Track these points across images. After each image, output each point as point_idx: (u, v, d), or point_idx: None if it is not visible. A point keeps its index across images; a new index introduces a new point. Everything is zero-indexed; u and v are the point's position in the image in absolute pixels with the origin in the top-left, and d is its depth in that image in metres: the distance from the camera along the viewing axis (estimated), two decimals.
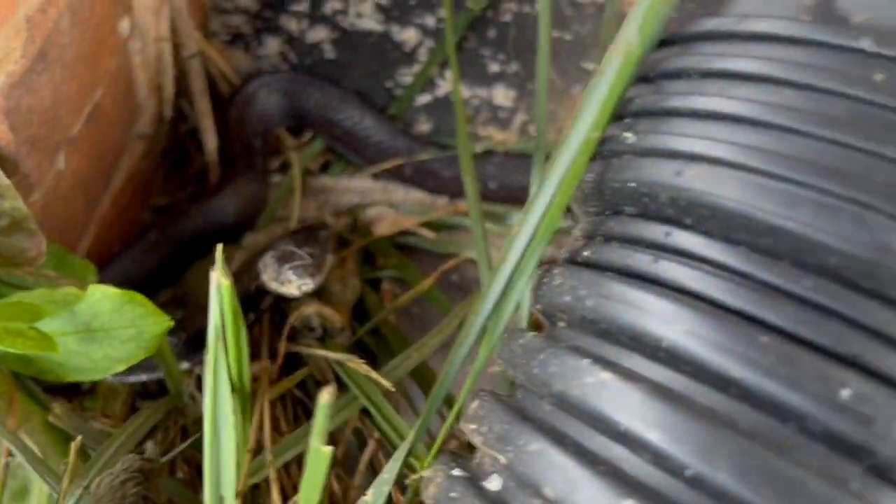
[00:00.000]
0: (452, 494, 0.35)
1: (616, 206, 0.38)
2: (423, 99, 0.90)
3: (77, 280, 0.60)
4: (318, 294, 0.68)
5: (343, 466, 0.62)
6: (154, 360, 0.62)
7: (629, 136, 0.36)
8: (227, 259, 0.78)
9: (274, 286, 0.61)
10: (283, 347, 0.60)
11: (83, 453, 0.52)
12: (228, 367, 0.40)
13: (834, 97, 0.31)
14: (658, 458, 0.30)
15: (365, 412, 0.56)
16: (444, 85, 0.89)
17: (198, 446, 0.47)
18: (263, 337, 0.66)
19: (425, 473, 0.39)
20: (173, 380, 0.59)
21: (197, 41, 0.79)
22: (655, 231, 0.35)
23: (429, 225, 0.84)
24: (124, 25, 0.71)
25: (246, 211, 0.81)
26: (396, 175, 0.86)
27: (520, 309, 0.42)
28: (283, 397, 0.64)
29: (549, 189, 0.38)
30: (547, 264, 0.41)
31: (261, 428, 0.52)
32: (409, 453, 0.42)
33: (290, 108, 0.85)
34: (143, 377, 0.65)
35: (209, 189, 0.86)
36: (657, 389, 0.31)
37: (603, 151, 0.38)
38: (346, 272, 0.73)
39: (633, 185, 0.35)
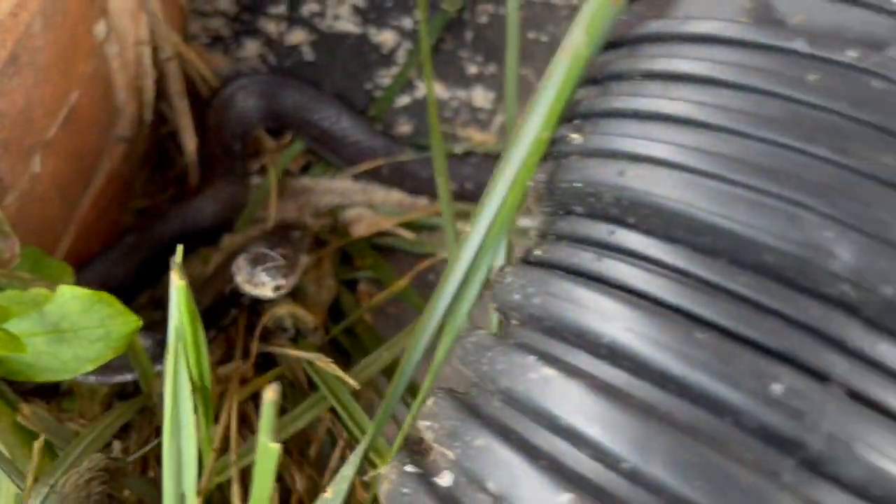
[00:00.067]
0: (404, 490, 0.36)
1: (566, 206, 0.38)
2: (403, 100, 0.90)
3: (53, 282, 0.61)
4: (294, 295, 0.69)
5: (316, 467, 0.63)
6: (130, 361, 0.62)
7: (576, 137, 0.36)
8: (205, 261, 0.78)
9: (248, 288, 0.62)
10: (255, 348, 0.61)
11: (54, 453, 0.52)
12: (189, 366, 0.41)
13: (769, 97, 0.31)
14: (597, 452, 0.31)
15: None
16: (423, 87, 0.90)
17: None
18: (238, 338, 0.67)
19: (382, 470, 0.40)
20: (147, 380, 0.59)
21: (173, 44, 0.80)
22: (600, 230, 0.35)
23: (409, 226, 0.85)
24: (100, 29, 0.72)
25: (224, 213, 0.81)
26: (375, 176, 0.86)
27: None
28: (255, 397, 0.64)
29: (501, 188, 0.38)
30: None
31: (228, 427, 0.53)
32: (368, 451, 0.43)
33: (268, 110, 0.85)
34: (119, 378, 0.66)
35: (189, 191, 0.87)
36: (598, 385, 0.32)
37: (553, 152, 0.38)
38: (323, 273, 0.74)
39: (579, 185, 0.36)
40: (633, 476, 0.30)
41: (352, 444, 0.55)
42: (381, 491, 0.38)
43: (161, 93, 0.87)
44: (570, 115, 0.39)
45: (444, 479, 0.36)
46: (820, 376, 0.30)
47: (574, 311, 0.33)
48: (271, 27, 0.87)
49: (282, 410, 0.62)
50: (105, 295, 0.53)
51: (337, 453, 0.58)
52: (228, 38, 0.88)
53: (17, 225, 0.58)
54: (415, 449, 0.42)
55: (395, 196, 0.89)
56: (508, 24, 0.61)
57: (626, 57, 0.37)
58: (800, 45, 0.31)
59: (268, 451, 0.32)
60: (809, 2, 0.33)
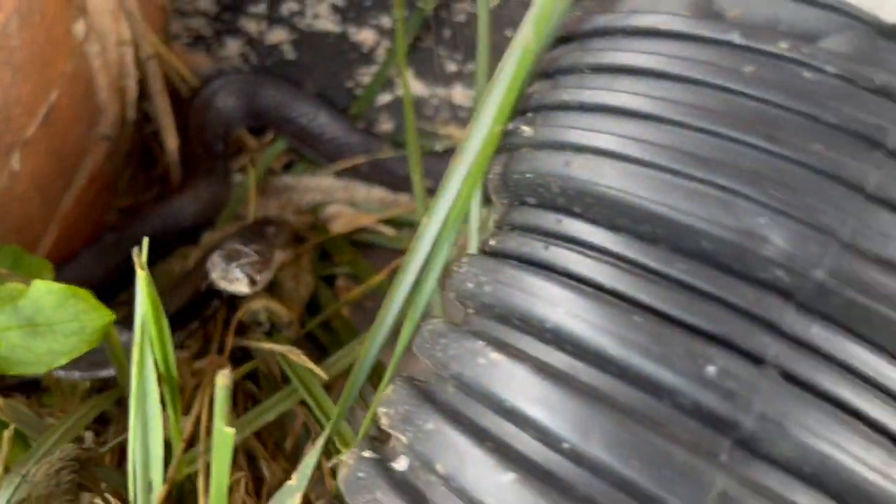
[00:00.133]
0: (360, 475, 0.37)
1: (520, 197, 0.39)
2: (384, 99, 0.91)
3: (32, 279, 0.61)
4: (271, 290, 0.70)
5: (292, 459, 0.63)
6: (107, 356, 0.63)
7: (527, 130, 0.37)
8: (186, 258, 0.79)
9: (223, 284, 0.63)
10: (229, 342, 0.62)
11: (29, 445, 0.53)
12: (154, 356, 0.42)
13: (706, 89, 0.32)
14: (540, 434, 0.32)
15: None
16: (406, 85, 0.91)
17: None
18: (216, 332, 0.68)
19: (343, 457, 0.41)
20: (123, 373, 0.60)
21: (152, 43, 0.80)
22: (549, 219, 0.36)
23: (390, 222, 0.86)
24: (79, 28, 0.73)
25: (205, 213, 0.82)
26: (355, 173, 0.87)
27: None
28: (234, 391, 0.65)
29: (455, 181, 0.39)
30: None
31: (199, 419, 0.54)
32: (332, 439, 0.44)
33: (248, 109, 0.86)
34: (105, 373, 0.66)
35: (171, 190, 0.87)
36: (542, 369, 0.32)
37: (507, 144, 0.39)
38: (301, 269, 0.74)
39: (530, 176, 0.37)
40: (574, 456, 0.31)
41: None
42: (340, 477, 0.39)
43: (144, 92, 0.88)
44: (523, 108, 0.39)
45: (400, 464, 0.37)
46: (755, 359, 0.31)
47: (521, 297, 0.34)
48: (252, 26, 0.88)
49: (256, 403, 0.63)
50: (79, 290, 0.53)
51: (308, 446, 0.59)
52: (210, 37, 0.89)
53: None
54: (376, 436, 0.43)
55: (377, 193, 0.90)
56: (479, 22, 0.62)
57: (576, 51, 0.38)
58: (735, 37, 0.32)
59: (223, 435, 0.33)
60: None
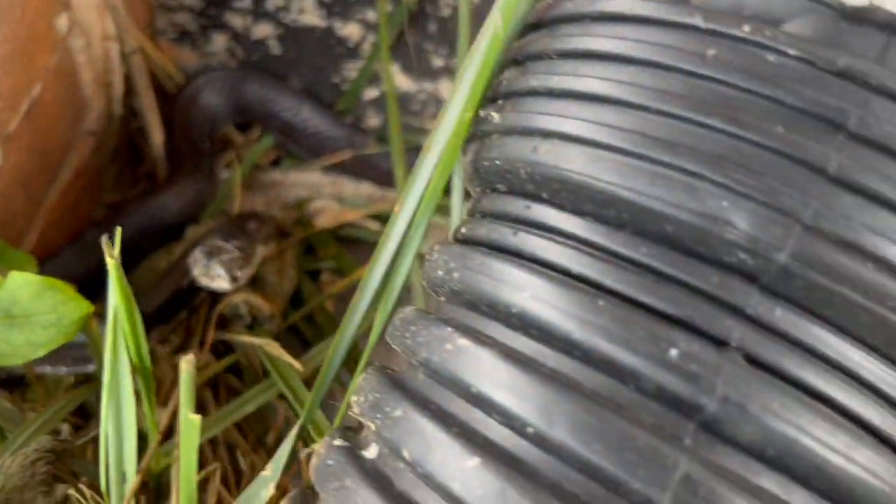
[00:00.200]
0: (329, 462, 0.37)
1: (490, 184, 0.39)
2: (371, 94, 0.91)
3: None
4: (254, 283, 0.70)
5: (273, 453, 0.63)
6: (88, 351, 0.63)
7: (496, 117, 0.37)
8: (171, 253, 0.79)
9: (204, 281, 0.63)
10: (210, 335, 0.61)
11: (4, 437, 0.53)
12: (128, 347, 0.42)
13: (670, 72, 0.32)
14: (506, 418, 0.32)
15: None
16: (391, 80, 0.91)
17: None
18: (198, 326, 0.68)
19: (315, 447, 0.41)
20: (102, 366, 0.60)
21: (136, 37, 0.80)
22: (517, 205, 0.36)
23: (377, 217, 0.86)
24: (62, 23, 0.73)
25: (189, 210, 0.82)
26: (342, 168, 0.87)
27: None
28: (215, 385, 0.65)
29: (427, 168, 0.39)
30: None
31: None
32: (307, 429, 0.44)
33: (233, 105, 0.86)
34: (93, 368, 0.66)
35: (157, 186, 0.87)
36: (507, 353, 0.32)
37: (477, 132, 0.39)
38: (285, 263, 0.74)
39: (499, 162, 0.37)
40: (539, 440, 0.31)
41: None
42: (311, 465, 0.39)
43: (130, 88, 0.88)
44: (494, 95, 0.39)
45: (371, 452, 0.37)
46: (718, 342, 0.31)
47: (489, 283, 0.34)
48: (237, 21, 0.88)
49: (237, 395, 0.63)
50: (56, 281, 0.53)
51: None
52: (195, 32, 0.89)
53: None
54: (351, 426, 0.43)
55: (365, 189, 0.90)
56: (461, 17, 0.62)
57: (545, 37, 0.38)
58: (699, 20, 0.32)
59: (189, 421, 0.33)
60: None
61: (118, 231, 0.81)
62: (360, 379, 0.40)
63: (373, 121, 0.93)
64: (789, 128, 0.30)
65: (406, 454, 0.33)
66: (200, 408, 0.61)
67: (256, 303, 0.65)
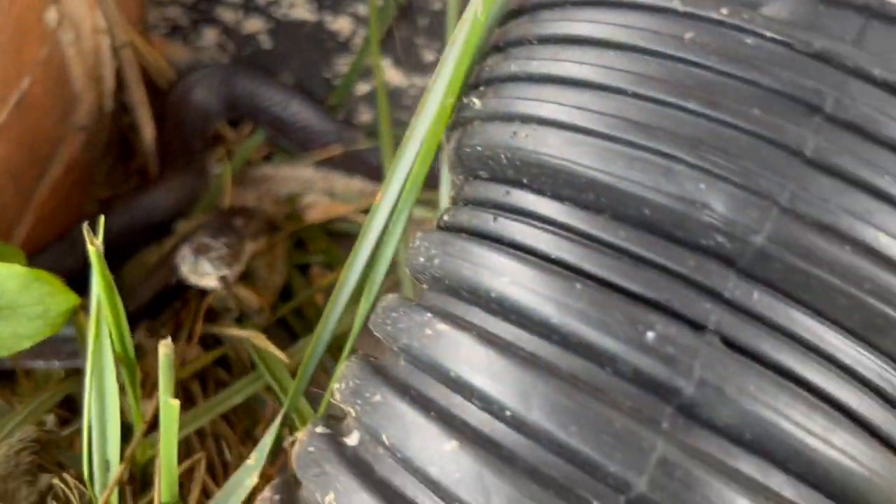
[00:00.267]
0: (310, 449, 0.37)
1: (473, 171, 0.39)
2: (363, 89, 0.91)
3: None
4: (244, 277, 0.70)
5: None
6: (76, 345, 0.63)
7: (477, 103, 0.37)
8: (161, 248, 0.79)
9: (193, 279, 0.63)
10: (198, 328, 0.61)
11: None
12: (111, 335, 0.42)
13: (648, 56, 0.32)
14: (484, 402, 0.32)
15: None
16: (382, 74, 0.91)
17: None
18: (187, 320, 0.68)
19: (298, 435, 0.40)
20: None
21: (126, 32, 0.80)
22: (498, 191, 0.36)
23: (368, 212, 0.85)
24: (51, 16, 0.73)
25: (180, 206, 0.82)
26: (333, 163, 0.87)
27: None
28: (204, 378, 0.65)
29: (409, 155, 0.39)
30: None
31: None
32: (290, 418, 0.44)
33: (224, 102, 0.86)
34: (68, 363, 0.66)
35: (148, 182, 0.87)
36: (486, 338, 0.32)
37: (459, 119, 0.39)
38: (275, 257, 0.74)
39: (480, 148, 0.37)
40: (516, 423, 0.31)
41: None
42: (293, 453, 0.39)
43: (121, 83, 0.88)
44: (475, 82, 0.39)
45: (352, 439, 0.37)
46: (696, 325, 0.31)
47: (468, 268, 0.34)
48: (228, 16, 0.87)
49: (225, 388, 0.63)
50: (43, 273, 0.53)
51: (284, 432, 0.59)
52: (187, 27, 0.89)
53: None
54: (333, 414, 0.43)
55: (356, 184, 0.90)
56: (449, 11, 0.62)
57: (526, 23, 0.38)
58: (676, 4, 0.32)
59: (168, 406, 0.33)
60: None
61: (102, 223, 0.81)
62: (343, 367, 0.40)
63: (365, 116, 0.92)
64: (766, 110, 0.30)
65: (385, 439, 0.33)
66: (188, 400, 0.61)
67: (245, 296, 0.65)
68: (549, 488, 0.30)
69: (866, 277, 0.30)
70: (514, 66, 0.36)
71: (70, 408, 0.62)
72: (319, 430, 0.38)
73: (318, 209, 0.82)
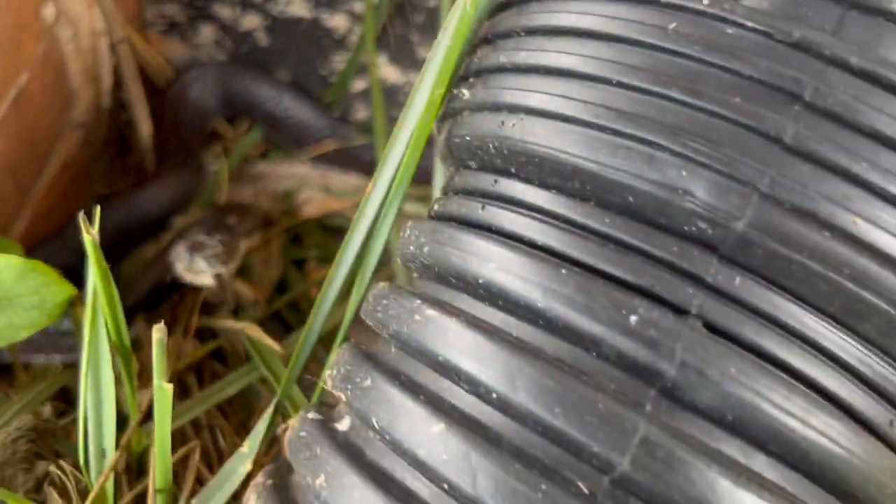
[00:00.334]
0: (302, 434, 0.37)
1: (462, 162, 0.40)
2: (359, 86, 0.92)
3: None
4: (240, 272, 0.70)
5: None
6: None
7: (466, 94, 0.38)
8: (158, 243, 0.80)
9: (187, 277, 0.63)
10: (194, 321, 0.62)
11: None
12: (106, 323, 0.42)
13: (632, 46, 0.33)
14: (471, 386, 0.32)
15: None
16: (377, 71, 0.91)
17: None
18: (183, 312, 0.68)
19: (292, 421, 0.41)
20: None
21: (123, 28, 0.81)
22: (486, 181, 0.37)
23: None
24: (48, 12, 0.73)
25: (176, 204, 0.82)
26: (329, 160, 0.88)
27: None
28: (200, 371, 0.66)
29: (399, 144, 0.40)
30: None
31: None
32: (281, 406, 0.44)
33: (222, 100, 0.87)
34: (69, 357, 0.67)
35: (144, 180, 0.88)
36: (473, 322, 0.33)
37: (449, 110, 0.40)
38: (270, 252, 0.75)
39: (469, 138, 0.37)
40: (502, 406, 0.31)
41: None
42: (285, 440, 0.39)
43: (119, 80, 0.88)
44: (465, 74, 0.40)
45: (343, 425, 0.38)
46: (678, 309, 0.31)
47: (456, 255, 0.35)
48: (226, 12, 0.88)
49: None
50: (40, 264, 0.54)
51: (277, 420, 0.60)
52: (184, 24, 0.90)
53: None
54: (325, 401, 0.43)
55: (353, 180, 0.91)
56: (443, 6, 0.62)
57: (514, 15, 0.38)
58: None
59: (162, 390, 0.33)
60: None
61: (110, 226, 0.82)
62: (336, 354, 0.41)
63: (361, 113, 0.93)
64: (747, 98, 0.31)
65: (375, 422, 0.34)
66: (184, 392, 0.61)
67: (241, 289, 0.65)
68: (535, 468, 0.30)
69: (845, 263, 0.31)
70: (502, 58, 0.37)
71: (67, 400, 0.63)
72: (311, 415, 0.39)
73: (313, 205, 0.83)
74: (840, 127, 0.31)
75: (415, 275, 0.40)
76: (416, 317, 0.35)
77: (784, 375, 0.31)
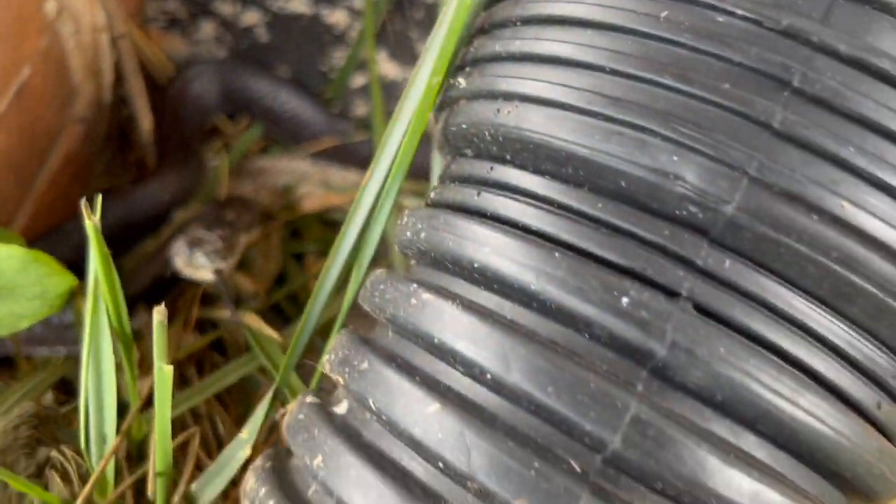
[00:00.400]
0: (300, 416, 0.38)
1: (459, 150, 0.40)
2: (359, 82, 0.92)
3: None
4: (240, 265, 0.71)
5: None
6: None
7: (462, 82, 0.39)
8: (159, 238, 0.80)
9: (187, 272, 0.64)
10: (194, 312, 0.63)
11: None
12: (108, 311, 0.43)
13: (625, 34, 0.34)
14: (466, 367, 0.33)
15: None
16: (377, 67, 0.92)
17: None
18: (184, 304, 0.69)
19: (289, 407, 0.42)
20: None
21: (124, 22, 0.82)
22: (482, 167, 0.38)
23: None
24: (50, 6, 0.74)
25: (176, 200, 0.83)
26: (329, 155, 0.89)
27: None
28: (200, 363, 0.66)
29: (396, 134, 0.40)
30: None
31: None
32: (280, 392, 0.45)
33: (223, 96, 0.87)
34: (74, 350, 0.67)
35: (145, 175, 0.88)
36: (468, 305, 0.34)
37: (446, 99, 0.41)
38: (270, 246, 0.76)
39: (465, 126, 0.38)
40: (496, 386, 0.32)
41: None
42: (284, 424, 0.40)
43: (120, 76, 0.89)
44: (462, 63, 0.41)
45: (341, 408, 0.38)
46: (669, 291, 0.32)
47: (451, 240, 0.35)
48: (226, 9, 0.89)
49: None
50: (42, 254, 0.54)
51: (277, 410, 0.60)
52: (185, 20, 0.90)
53: None
54: (323, 387, 0.44)
55: (352, 175, 0.91)
56: (441, 2, 0.63)
57: (510, 5, 0.39)
58: None
59: (162, 372, 0.34)
60: None
61: (110, 222, 0.82)
62: (335, 340, 0.41)
63: (360, 109, 0.94)
64: (736, 84, 0.32)
65: (371, 403, 0.34)
66: (184, 383, 0.62)
67: (241, 282, 0.66)
68: (528, 447, 0.31)
69: (833, 246, 0.32)
70: (497, 46, 0.38)
71: (67, 391, 0.63)
72: (309, 399, 0.39)
73: (313, 200, 0.84)
74: (828, 112, 0.31)
75: (412, 262, 0.41)
76: (413, 301, 0.35)
77: (773, 357, 0.32)
